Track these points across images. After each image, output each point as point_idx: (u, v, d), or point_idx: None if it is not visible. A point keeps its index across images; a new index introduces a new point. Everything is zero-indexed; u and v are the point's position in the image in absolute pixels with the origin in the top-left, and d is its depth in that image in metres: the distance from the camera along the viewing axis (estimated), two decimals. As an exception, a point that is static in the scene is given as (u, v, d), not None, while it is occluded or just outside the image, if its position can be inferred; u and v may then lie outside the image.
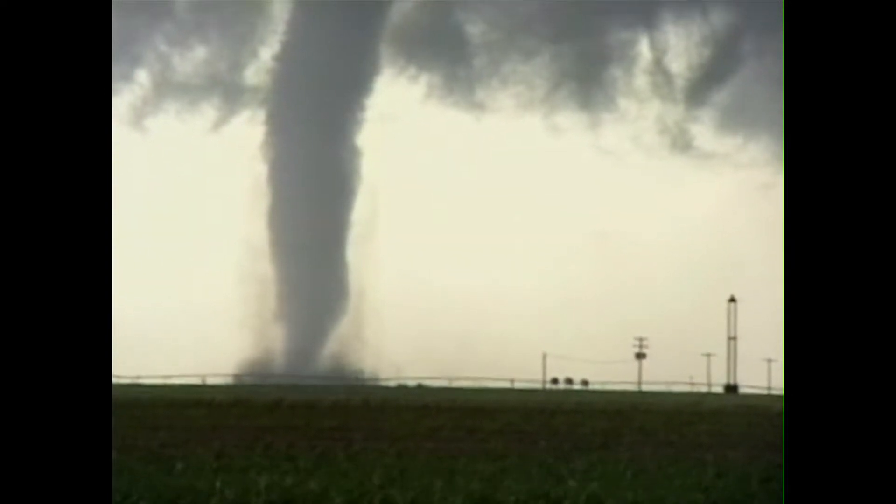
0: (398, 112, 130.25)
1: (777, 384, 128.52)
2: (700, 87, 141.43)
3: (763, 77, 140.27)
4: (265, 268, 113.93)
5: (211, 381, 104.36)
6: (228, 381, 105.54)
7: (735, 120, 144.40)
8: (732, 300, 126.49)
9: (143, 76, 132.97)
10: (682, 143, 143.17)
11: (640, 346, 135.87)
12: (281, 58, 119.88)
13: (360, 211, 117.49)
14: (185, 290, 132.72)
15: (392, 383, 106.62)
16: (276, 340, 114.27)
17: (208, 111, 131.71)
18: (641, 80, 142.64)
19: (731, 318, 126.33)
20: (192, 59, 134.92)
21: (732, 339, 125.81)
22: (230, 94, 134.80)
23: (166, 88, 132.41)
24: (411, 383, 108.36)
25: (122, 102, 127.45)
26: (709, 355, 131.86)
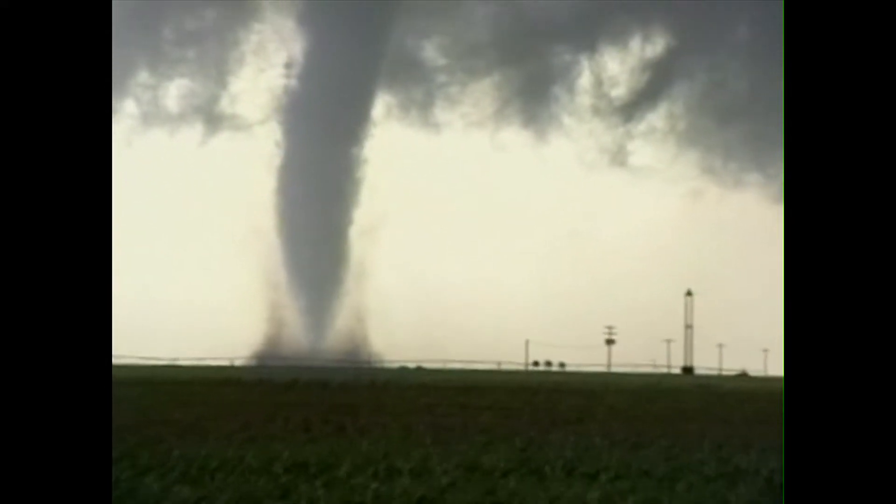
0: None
1: (727, 366, 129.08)
2: (635, 107, 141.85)
3: (692, 97, 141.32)
4: (280, 269, 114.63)
5: (238, 363, 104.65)
6: (253, 363, 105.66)
7: (666, 137, 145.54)
8: (689, 293, 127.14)
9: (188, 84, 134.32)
10: (619, 159, 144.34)
11: (610, 334, 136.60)
12: (293, 77, 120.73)
13: (360, 213, 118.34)
14: (216, 285, 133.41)
15: (395, 365, 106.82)
16: (294, 329, 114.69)
17: (229, 125, 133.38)
18: (583, 100, 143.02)
19: (688, 309, 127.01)
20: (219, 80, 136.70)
21: (689, 327, 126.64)
22: (250, 110, 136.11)
23: (187, 105, 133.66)
24: (411, 365, 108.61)
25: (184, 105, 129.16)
26: (669, 341, 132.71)
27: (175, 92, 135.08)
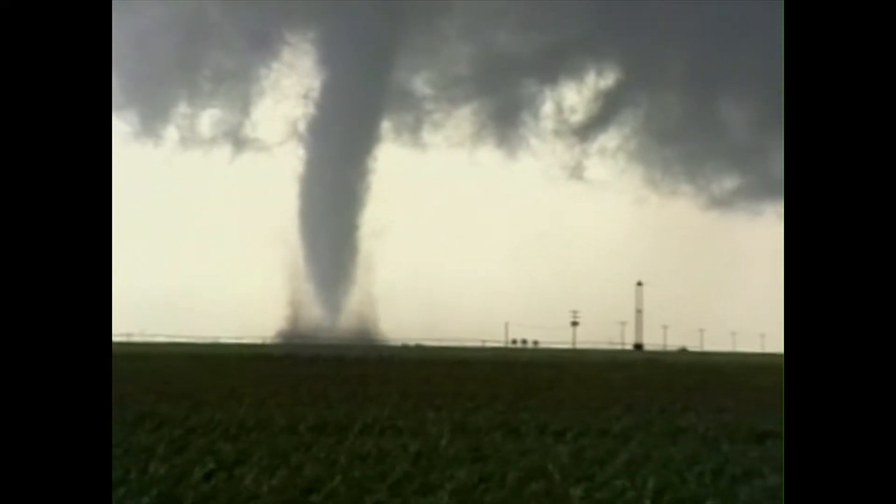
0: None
1: (670, 343, 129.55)
2: (590, 130, 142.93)
3: (637, 122, 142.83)
4: (301, 263, 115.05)
5: (270, 341, 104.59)
6: (280, 341, 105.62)
7: (616, 154, 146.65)
8: (639, 284, 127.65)
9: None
10: (577, 173, 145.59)
11: (575, 317, 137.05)
12: (310, 105, 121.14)
13: (368, 216, 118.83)
14: (249, 277, 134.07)
15: (398, 343, 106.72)
16: (314, 313, 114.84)
17: (252, 147, 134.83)
18: (546, 125, 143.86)
19: (638, 297, 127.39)
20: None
21: (639, 311, 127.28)
22: (269, 134, 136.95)
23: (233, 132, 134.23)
24: (412, 343, 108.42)
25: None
26: (623, 323, 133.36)
27: (207, 120, 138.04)
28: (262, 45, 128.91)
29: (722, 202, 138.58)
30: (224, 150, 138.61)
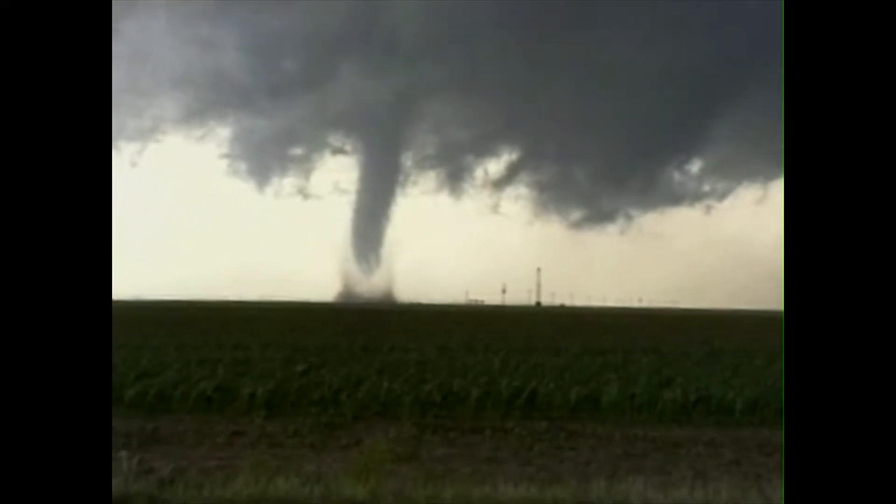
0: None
1: (556, 302, 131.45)
2: (503, 185, 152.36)
3: (530, 180, 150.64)
4: (352, 258, 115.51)
5: (333, 300, 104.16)
6: (339, 299, 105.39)
7: (517, 199, 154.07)
8: (539, 269, 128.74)
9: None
10: (496, 210, 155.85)
11: (504, 287, 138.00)
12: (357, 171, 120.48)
13: (388, 231, 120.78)
14: (321, 266, 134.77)
15: (407, 301, 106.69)
16: (360, 284, 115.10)
17: (312, 196, 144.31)
18: (478, 182, 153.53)
19: (539, 276, 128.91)
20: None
21: (539, 284, 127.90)
22: (321, 190, 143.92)
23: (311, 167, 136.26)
24: (415, 301, 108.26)
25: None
26: (529, 290, 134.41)
27: (287, 183, 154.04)
28: (318, 142, 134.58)
29: (576, 225, 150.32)
30: (297, 199, 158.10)
